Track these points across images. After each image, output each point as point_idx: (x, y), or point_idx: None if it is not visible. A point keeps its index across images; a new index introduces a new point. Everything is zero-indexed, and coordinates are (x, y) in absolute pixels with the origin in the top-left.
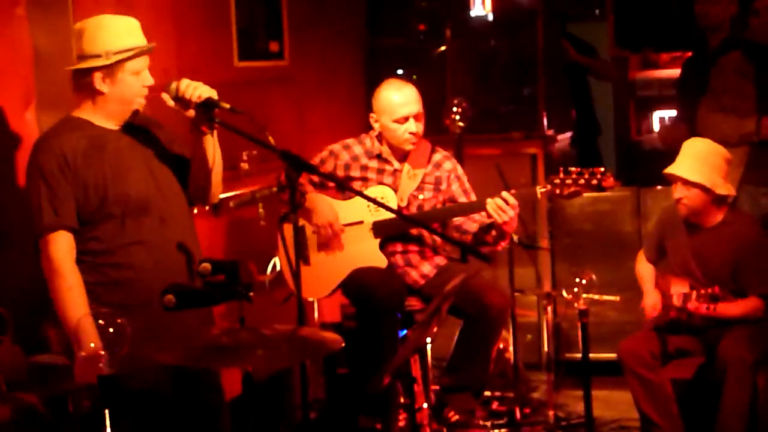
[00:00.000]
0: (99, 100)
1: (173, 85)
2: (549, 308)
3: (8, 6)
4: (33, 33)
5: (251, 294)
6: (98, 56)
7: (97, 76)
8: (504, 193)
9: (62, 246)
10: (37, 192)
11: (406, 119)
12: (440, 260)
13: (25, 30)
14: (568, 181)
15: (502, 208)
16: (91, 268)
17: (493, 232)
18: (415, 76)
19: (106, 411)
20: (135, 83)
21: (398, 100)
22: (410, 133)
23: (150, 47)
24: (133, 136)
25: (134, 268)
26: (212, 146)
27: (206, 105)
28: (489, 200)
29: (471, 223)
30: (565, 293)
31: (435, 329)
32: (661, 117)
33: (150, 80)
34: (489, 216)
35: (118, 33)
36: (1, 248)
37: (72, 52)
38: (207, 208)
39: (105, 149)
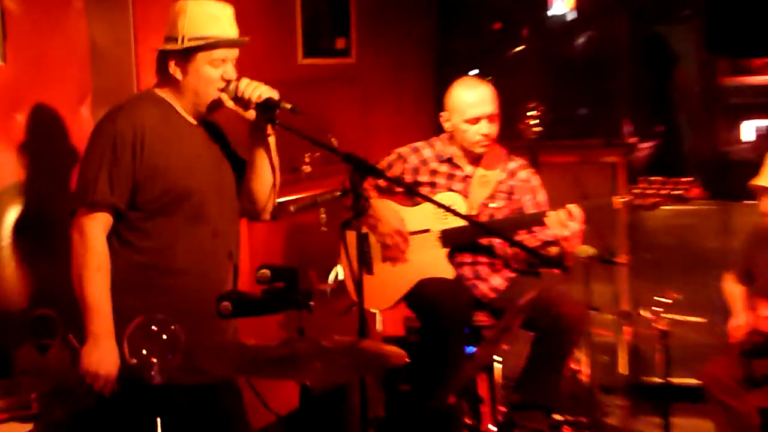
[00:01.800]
0: (176, 86)
1: (232, 85)
2: (627, 328)
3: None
4: (90, 26)
5: (311, 303)
6: (174, 40)
7: (172, 62)
8: (569, 206)
9: (102, 226)
10: (98, 160)
11: (477, 120)
12: (511, 273)
13: (83, 23)
14: (650, 191)
15: (562, 222)
16: (127, 263)
17: (552, 249)
18: (490, 77)
19: (158, 420)
20: (211, 75)
21: (471, 99)
22: (482, 135)
23: (234, 41)
24: (208, 132)
25: (174, 274)
26: (273, 149)
27: (267, 106)
28: (550, 213)
29: (532, 240)
30: (644, 312)
31: (504, 346)
32: (758, 126)
33: (232, 74)
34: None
35: (201, 19)
36: (51, 245)
37: (131, 46)
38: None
39: (181, 139)
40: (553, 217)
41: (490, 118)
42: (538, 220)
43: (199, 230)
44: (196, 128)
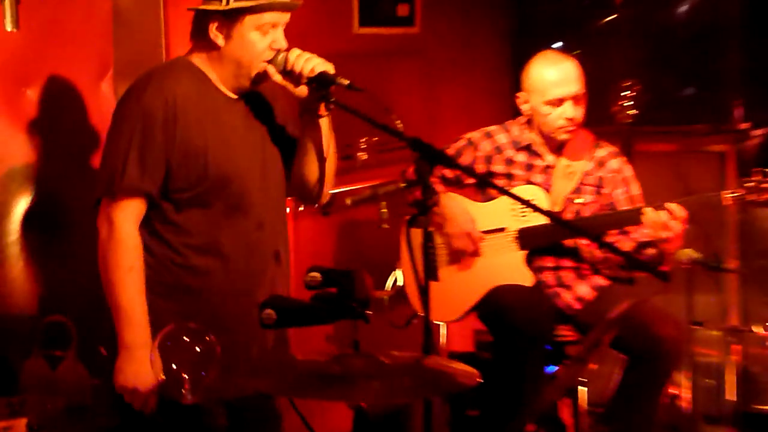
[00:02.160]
0: (215, 54)
1: (281, 56)
2: (735, 347)
3: None
4: None
5: (369, 312)
6: (210, 1)
7: (213, 25)
8: (669, 204)
9: (134, 215)
10: (126, 140)
11: (561, 101)
12: (600, 280)
13: None
14: (765, 185)
15: (662, 222)
16: (158, 260)
17: (650, 251)
18: (577, 52)
19: None
20: (258, 42)
21: (553, 77)
22: (565, 119)
23: (288, 3)
24: (250, 108)
25: (212, 274)
26: (327, 132)
27: (320, 81)
28: (647, 209)
29: (626, 242)
30: (756, 329)
31: (592, 367)
32: None
33: (282, 42)
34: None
35: None
36: (65, 241)
37: (159, 10)
38: (316, 206)
39: (219, 116)
40: (650, 215)
41: (575, 98)
42: (633, 218)
43: (241, 222)
44: (236, 103)
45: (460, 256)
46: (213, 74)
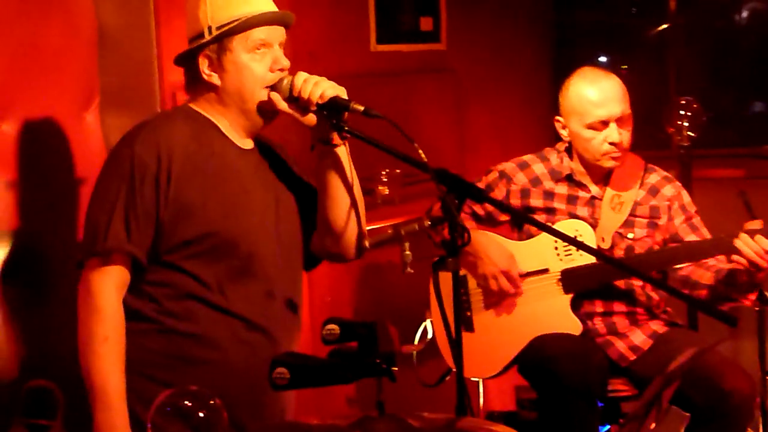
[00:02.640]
0: (215, 97)
1: (285, 81)
2: None
3: None
4: (98, 5)
5: (394, 369)
6: (200, 36)
7: (203, 64)
8: (759, 236)
9: (115, 281)
10: (112, 196)
11: (604, 124)
12: (658, 326)
13: (88, 2)
14: None
15: (764, 249)
16: (154, 328)
17: (742, 280)
18: (625, 66)
19: None
20: (254, 66)
21: (594, 96)
22: (611, 143)
23: (273, 15)
24: (257, 160)
25: (215, 344)
26: (347, 163)
27: (332, 107)
28: (742, 235)
29: (704, 272)
30: None
31: (652, 426)
32: None
33: (283, 61)
34: (737, 260)
35: (227, 0)
36: (48, 297)
37: (151, 33)
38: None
39: (226, 168)
40: (746, 242)
41: (620, 120)
42: (725, 247)
43: (249, 289)
44: (248, 155)
45: (497, 301)
46: (222, 121)
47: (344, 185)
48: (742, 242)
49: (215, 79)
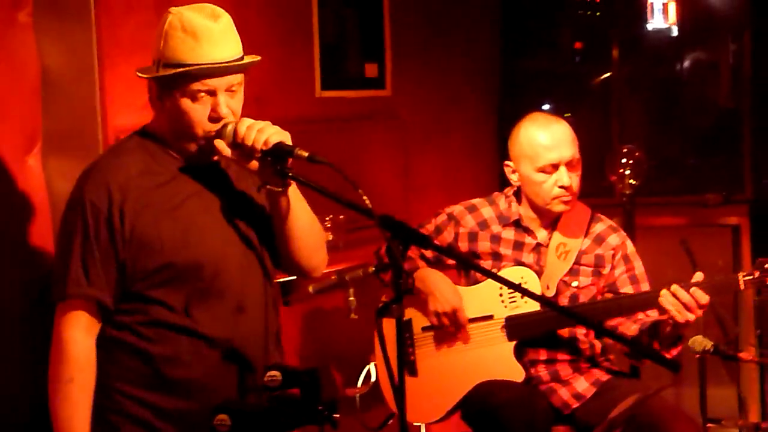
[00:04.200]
0: (164, 121)
1: (230, 128)
2: None
3: (8, 9)
4: (41, 47)
5: (336, 416)
6: (152, 64)
7: (152, 91)
8: (694, 289)
9: (81, 324)
10: (69, 242)
11: (555, 167)
12: (601, 374)
13: (31, 42)
14: None
15: (688, 304)
16: (129, 354)
17: (665, 332)
18: (568, 114)
19: None
20: (192, 111)
21: (545, 140)
22: (561, 187)
23: (220, 68)
24: (209, 178)
25: (187, 365)
26: (296, 200)
27: (276, 153)
28: (664, 292)
29: (630, 325)
30: None
31: None
32: None
33: (222, 110)
34: (662, 313)
35: (178, 38)
36: None
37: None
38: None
39: (179, 192)
40: (669, 298)
41: (570, 164)
42: (650, 301)
43: (217, 307)
44: (202, 172)
45: (442, 346)
46: (174, 143)
47: (294, 223)
48: (665, 298)
49: (158, 108)
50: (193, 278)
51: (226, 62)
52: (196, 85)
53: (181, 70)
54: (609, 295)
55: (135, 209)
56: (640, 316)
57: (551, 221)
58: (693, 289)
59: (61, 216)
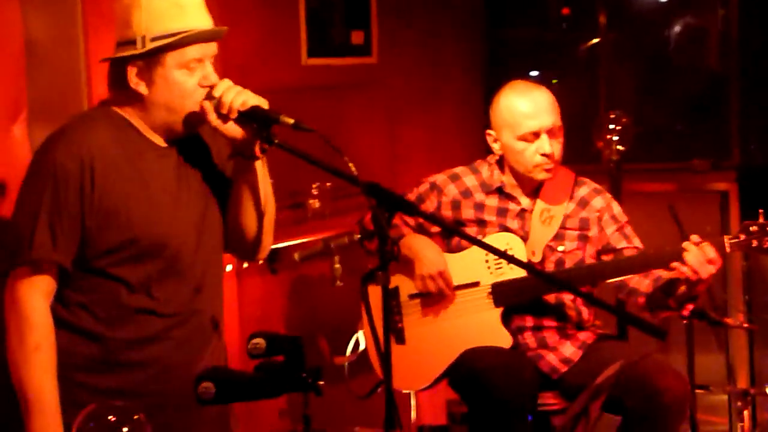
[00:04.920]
0: (139, 104)
1: (215, 91)
2: (746, 412)
3: None
4: (26, 16)
5: (320, 383)
6: (132, 43)
7: (132, 71)
8: (704, 245)
9: (43, 290)
10: (36, 205)
11: (536, 135)
12: (587, 337)
13: (16, 12)
14: None
15: (710, 260)
16: (79, 333)
17: (681, 291)
18: (555, 81)
19: None
20: (186, 82)
21: (525, 108)
22: (542, 155)
23: (209, 32)
24: (185, 156)
25: (144, 345)
26: (263, 176)
27: (261, 120)
28: (690, 246)
29: (641, 279)
30: None
31: None
32: None
33: (212, 78)
34: (678, 269)
35: (162, 9)
36: None
37: (79, 45)
38: (260, 262)
39: (147, 170)
40: (695, 252)
41: (551, 132)
42: (675, 256)
43: (176, 287)
44: (167, 153)
45: (428, 311)
46: (139, 123)
47: (255, 198)
48: (690, 254)
49: (142, 88)
50: (153, 257)
51: (211, 29)
52: (190, 51)
53: (175, 38)
54: (609, 256)
55: (105, 177)
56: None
57: (534, 188)
58: (704, 244)
59: (25, 178)
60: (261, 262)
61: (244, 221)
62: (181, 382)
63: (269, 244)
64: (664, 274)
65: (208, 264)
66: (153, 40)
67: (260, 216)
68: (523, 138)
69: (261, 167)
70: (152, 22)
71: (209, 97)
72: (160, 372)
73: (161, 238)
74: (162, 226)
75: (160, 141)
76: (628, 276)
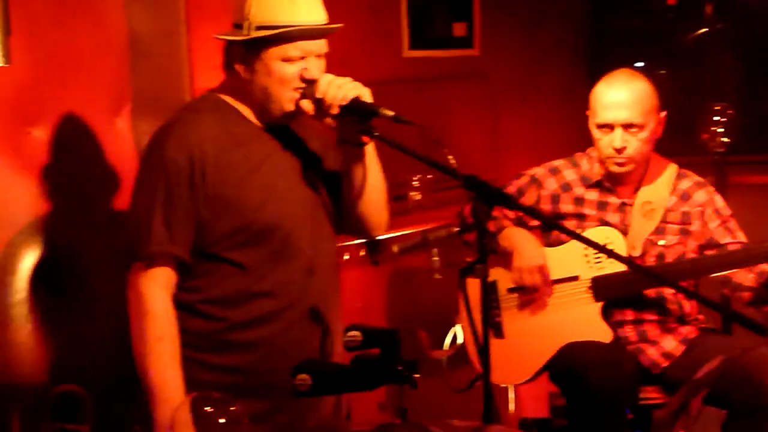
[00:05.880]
0: (241, 87)
1: (313, 87)
2: None
3: None
4: (130, 13)
5: (416, 376)
6: (239, 27)
7: (236, 54)
8: None
9: (163, 282)
10: (150, 200)
11: (610, 128)
12: (689, 331)
13: (120, 9)
14: None
15: None
16: (201, 316)
17: None
18: (663, 71)
19: None
20: (285, 73)
21: (605, 98)
22: (613, 148)
23: (314, 29)
24: (282, 140)
25: (257, 325)
26: (372, 159)
27: (354, 110)
28: None
29: (745, 274)
30: None
31: None
32: None
33: (313, 72)
34: None
35: (273, 0)
36: (80, 301)
37: (182, 39)
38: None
39: (255, 155)
40: None
41: (626, 127)
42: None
43: (288, 269)
44: (273, 136)
45: (528, 306)
46: (245, 108)
47: (368, 179)
48: None
49: (243, 71)
50: (266, 240)
51: (320, 25)
52: (292, 48)
53: (277, 31)
54: (713, 251)
55: (215, 169)
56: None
57: (636, 179)
58: None
59: (138, 173)
60: (365, 252)
61: (359, 202)
62: (293, 363)
63: (387, 221)
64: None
65: (320, 247)
66: (258, 28)
67: (376, 195)
68: (599, 126)
69: (370, 150)
70: (260, 10)
71: (309, 92)
72: (271, 353)
73: (274, 219)
74: (272, 211)
75: (262, 125)
76: (732, 271)
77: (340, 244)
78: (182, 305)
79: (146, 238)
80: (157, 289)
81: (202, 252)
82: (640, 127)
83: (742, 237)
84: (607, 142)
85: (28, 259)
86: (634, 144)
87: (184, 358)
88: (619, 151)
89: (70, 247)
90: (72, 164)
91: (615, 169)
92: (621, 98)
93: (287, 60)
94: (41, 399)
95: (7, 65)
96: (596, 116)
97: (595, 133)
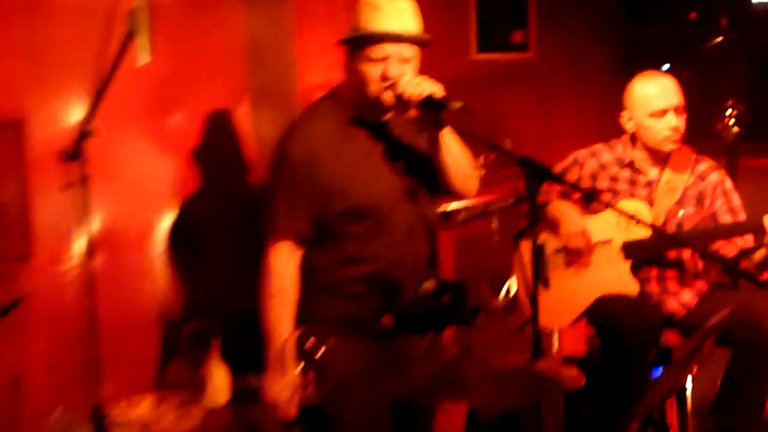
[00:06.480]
0: (351, 87)
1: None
2: None
3: None
4: (250, 19)
5: (478, 319)
6: (349, 31)
7: (344, 56)
8: None
9: (284, 256)
10: (276, 188)
11: (664, 112)
12: (703, 285)
13: (241, 14)
14: None
15: None
16: (320, 265)
17: (756, 258)
18: (685, 73)
19: None
20: (369, 73)
21: (654, 90)
22: (670, 128)
23: (391, 35)
24: (383, 131)
25: (368, 262)
26: (451, 139)
27: (429, 104)
28: (765, 220)
29: (730, 247)
30: None
31: (694, 369)
32: None
33: (392, 72)
34: (758, 240)
35: (366, 10)
36: (206, 254)
37: (293, 41)
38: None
39: (360, 146)
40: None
41: (676, 109)
42: (754, 227)
43: (389, 238)
44: (375, 130)
45: (571, 263)
46: (353, 104)
47: (451, 155)
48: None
49: (348, 71)
50: (371, 216)
51: (400, 32)
52: (374, 50)
53: (359, 34)
54: (709, 224)
55: (328, 160)
56: (740, 242)
57: (661, 162)
58: None
59: (269, 166)
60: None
61: (447, 173)
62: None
63: (474, 186)
64: (749, 244)
65: (415, 217)
66: (355, 30)
67: (459, 167)
68: (653, 115)
69: (447, 133)
70: (359, 18)
71: (392, 89)
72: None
73: (373, 204)
74: (374, 194)
75: (367, 119)
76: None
77: None
78: (314, 265)
79: (273, 218)
80: (279, 256)
81: (324, 226)
82: (683, 108)
83: (741, 215)
84: (664, 125)
85: (166, 221)
86: (682, 122)
87: (312, 300)
88: (675, 130)
89: (199, 211)
90: (203, 144)
91: (670, 147)
92: (668, 88)
93: (371, 61)
94: (178, 331)
95: (149, 61)
96: (649, 107)
97: (647, 122)
